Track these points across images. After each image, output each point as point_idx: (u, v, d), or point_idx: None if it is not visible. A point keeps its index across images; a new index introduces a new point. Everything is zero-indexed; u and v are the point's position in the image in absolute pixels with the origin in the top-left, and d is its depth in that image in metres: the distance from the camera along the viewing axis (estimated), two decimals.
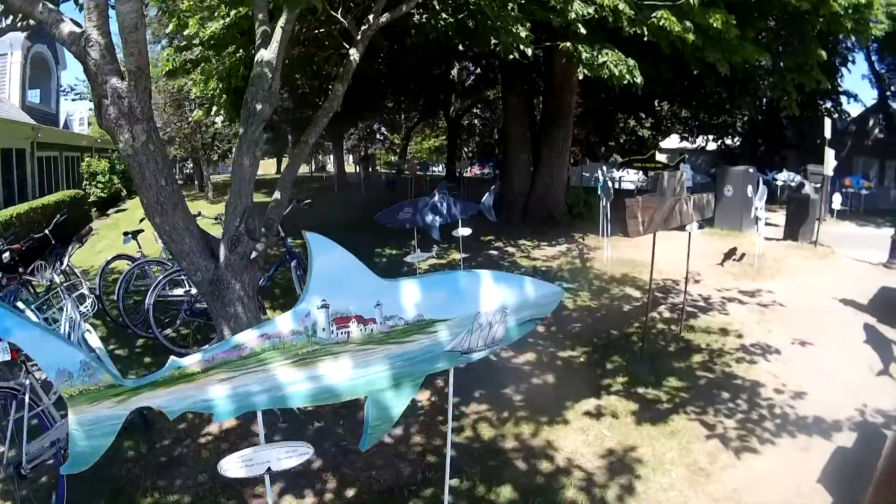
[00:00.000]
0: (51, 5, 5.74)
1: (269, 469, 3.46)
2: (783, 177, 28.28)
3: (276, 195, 7.49)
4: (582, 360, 8.73)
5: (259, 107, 6.59)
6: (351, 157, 62.01)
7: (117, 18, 5.30)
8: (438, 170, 51.22)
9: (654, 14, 11.28)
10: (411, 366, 3.65)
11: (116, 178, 31.41)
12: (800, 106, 16.97)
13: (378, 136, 64.21)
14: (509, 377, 8.02)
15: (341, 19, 8.92)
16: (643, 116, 41.02)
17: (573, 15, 11.09)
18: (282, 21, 6.99)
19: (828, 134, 17.01)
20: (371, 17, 8.12)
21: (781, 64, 16.58)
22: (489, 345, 3.83)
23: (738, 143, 41.34)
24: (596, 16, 11.41)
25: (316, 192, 31.68)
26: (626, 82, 12.34)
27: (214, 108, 16.17)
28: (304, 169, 60.49)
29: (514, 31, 10.36)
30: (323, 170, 49.67)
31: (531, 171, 20.06)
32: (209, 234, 6.68)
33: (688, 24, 11.38)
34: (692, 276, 12.59)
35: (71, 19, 5.69)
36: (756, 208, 14.34)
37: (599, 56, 12.14)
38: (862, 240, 18.56)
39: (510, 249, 16.16)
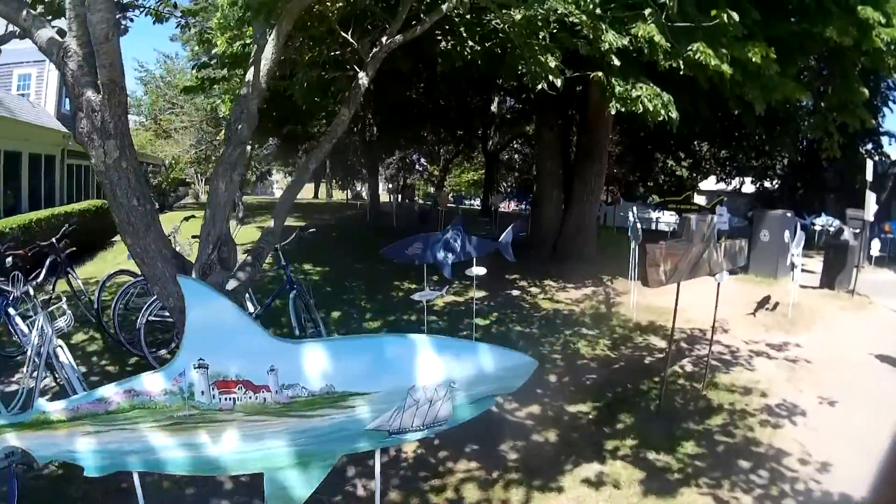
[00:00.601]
0: (34, 12, 5.49)
1: None
2: (821, 221, 27.67)
3: (271, 223, 7.03)
4: (591, 416, 8.07)
5: (240, 127, 6.13)
6: (389, 185, 61.90)
7: (89, 29, 4.88)
8: (476, 203, 50.89)
9: (689, 47, 10.52)
10: (319, 444, 3.14)
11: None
12: (840, 147, 16.26)
13: (417, 166, 64.19)
14: (508, 432, 7.41)
15: (352, 40, 8.50)
16: (682, 156, 39.98)
17: (606, 45, 10.38)
18: (272, 38, 6.54)
19: (869, 177, 16.46)
20: (384, 38, 7.68)
21: (822, 104, 15.81)
22: (429, 425, 3.25)
23: (776, 186, 40.57)
24: (630, 47, 10.73)
25: (348, 220, 31.76)
26: (661, 118, 11.64)
27: None
28: (339, 195, 60.45)
29: (543, 60, 9.77)
30: (359, 198, 50.04)
31: (562, 208, 19.49)
32: (186, 260, 6.22)
33: (724, 55, 10.71)
34: (720, 326, 11.90)
35: (60, 29, 5.40)
36: (793, 255, 13.63)
37: (633, 90, 11.46)
38: None
39: (533, 290, 15.48)
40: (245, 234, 22.10)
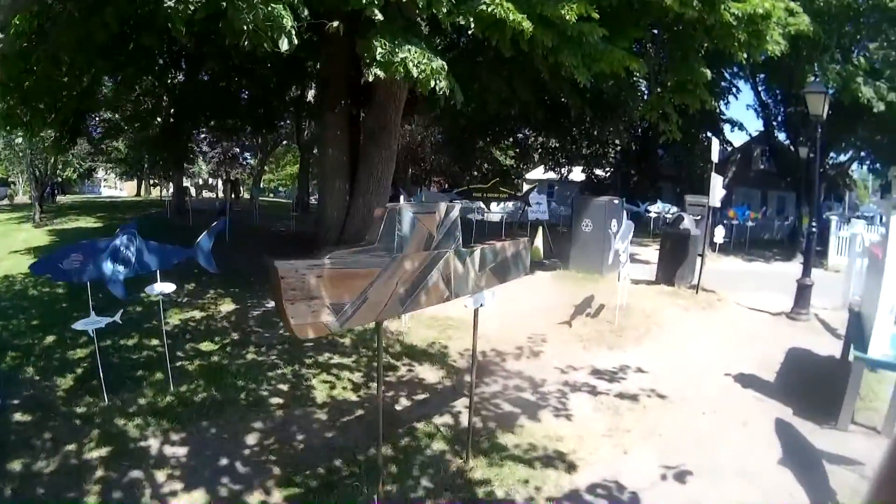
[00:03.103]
0: None
1: None
2: (657, 208, 27.15)
3: None
4: None
5: None
6: (216, 181, 58.91)
7: None
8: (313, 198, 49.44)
9: (483, 0, 9.43)
10: None
11: None
12: (679, 130, 15.22)
13: (241, 160, 61.04)
14: None
15: None
16: (505, 145, 38.82)
17: None
18: None
19: (715, 157, 14.36)
20: None
21: (659, 81, 15.25)
22: None
23: (608, 174, 39.63)
24: None
25: (147, 220, 27.67)
26: (439, 90, 10.18)
27: None
28: (163, 193, 57.00)
29: (275, 14, 8.27)
30: (186, 194, 46.67)
31: (346, 200, 16.66)
32: None
33: (533, 13, 9.69)
34: (529, 347, 9.38)
35: None
36: (617, 251, 11.09)
37: (398, 51, 9.72)
38: (752, 279, 16.39)
39: None
40: (34, 239, 19.87)
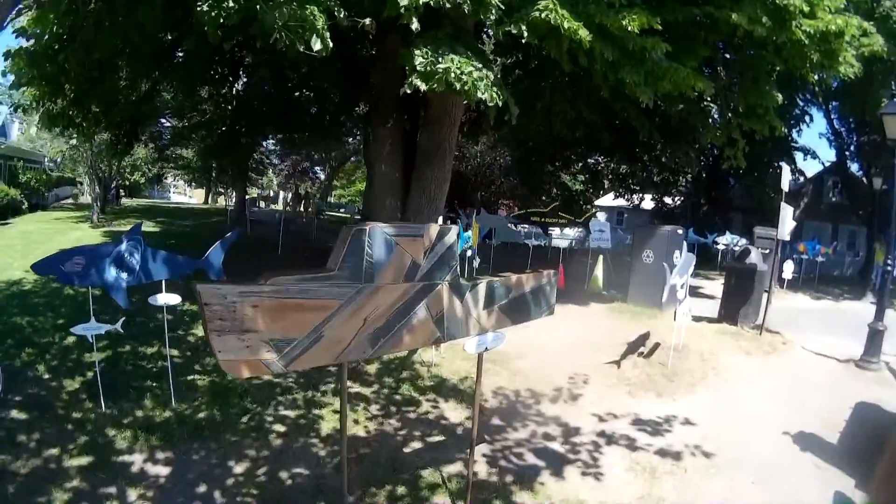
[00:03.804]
0: None
1: None
2: (725, 240, 26.47)
3: None
4: None
5: None
6: (288, 195, 59.65)
7: None
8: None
9: (536, 6, 8.90)
10: None
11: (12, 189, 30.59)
12: (749, 162, 15.02)
13: (311, 174, 62.35)
14: None
15: None
16: (575, 170, 38.19)
17: (406, 1, 8.30)
18: None
19: (785, 186, 13.33)
20: None
21: (731, 104, 14.22)
22: None
23: (678, 202, 38.58)
24: (448, 4, 8.64)
25: (205, 227, 28.17)
26: (491, 101, 9.47)
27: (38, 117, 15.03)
28: (221, 202, 57.59)
29: (306, 15, 8.03)
30: (254, 203, 46.93)
31: (398, 219, 15.87)
32: None
33: (590, 22, 9.26)
34: (568, 388, 8.62)
35: None
36: (674, 286, 10.44)
37: (441, 61, 9.18)
38: (820, 319, 15.33)
39: None
40: (87, 238, 19.57)
